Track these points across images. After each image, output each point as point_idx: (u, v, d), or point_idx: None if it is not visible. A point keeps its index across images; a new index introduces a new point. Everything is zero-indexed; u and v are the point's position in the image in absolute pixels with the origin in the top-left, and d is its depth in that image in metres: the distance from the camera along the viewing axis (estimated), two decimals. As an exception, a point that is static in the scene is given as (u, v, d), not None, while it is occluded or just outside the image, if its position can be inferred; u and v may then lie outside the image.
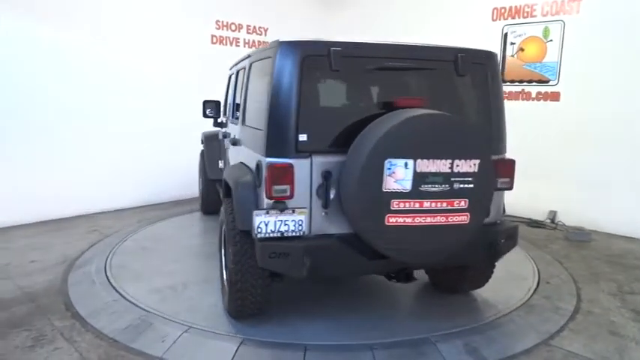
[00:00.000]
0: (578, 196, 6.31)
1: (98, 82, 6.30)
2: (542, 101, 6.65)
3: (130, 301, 3.75)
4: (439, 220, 2.84)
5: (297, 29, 8.55)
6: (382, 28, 8.33)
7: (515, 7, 6.79)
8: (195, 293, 3.94)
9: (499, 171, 3.18)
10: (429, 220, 2.82)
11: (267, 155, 2.96)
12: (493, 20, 7.03)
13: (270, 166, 2.90)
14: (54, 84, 5.92)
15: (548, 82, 6.57)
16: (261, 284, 3.22)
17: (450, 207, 2.83)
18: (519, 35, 6.81)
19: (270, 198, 2.90)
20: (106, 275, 4.25)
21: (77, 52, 6.08)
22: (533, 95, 6.72)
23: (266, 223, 2.86)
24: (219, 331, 3.31)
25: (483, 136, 3.00)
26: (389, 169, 2.71)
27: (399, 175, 2.73)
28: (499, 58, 6.86)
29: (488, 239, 3.22)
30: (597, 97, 6.10)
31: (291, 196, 2.91)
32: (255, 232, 2.85)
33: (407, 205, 2.78)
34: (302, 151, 2.92)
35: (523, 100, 6.83)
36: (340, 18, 9.02)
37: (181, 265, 4.57)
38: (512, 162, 3.36)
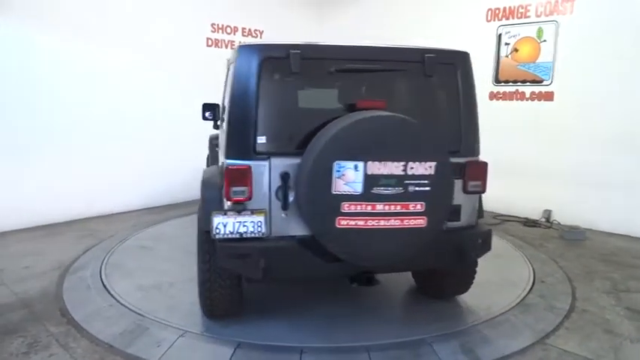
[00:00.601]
0: (573, 195, 6.34)
1: (91, 86, 6.28)
2: (536, 101, 6.67)
3: (125, 306, 3.73)
4: (394, 223, 2.80)
5: (291, 31, 8.59)
6: (377, 30, 8.34)
7: (510, 7, 6.81)
8: (178, 292, 4.02)
9: (470, 174, 3.16)
10: (382, 223, 2.79)
11: (227, 157, 3.02)
12: (487, 21, 7.06)
13: (228, 167, 2.92)
14: (52, 90, 5.90)
15: (542, 82, 6.59)
16: (230, 284, 3.23)
17: (405, 210, 2.79)
18: (513, 36, 6.83)
19: (228, 199, 2.93)
20: (101, 280, 4.24)
21: (72, 56, 6.06)
22: (528, 95, 6.75)
23: (224, 224, 2.89)
24: (215, 335, 3.30)
25: (441, 137, 2.90)
26: (338, 171, 2.70)
27: (348, 177, 2.71)
28: (495, 58, 6.95)
29: (459, 244, 3.16)
30: (591, 97, 6.12)
31: (249, 198, 2.92)
32: (214, 232, 2.89)
33: (358, 207, 2.76)
34: (260, 153, 2.94)
35: (517, 100, 6.86)
36: (335, 20, 9.04)
37: (172, 265, 4.59)
38: (484, 164, 3.25)
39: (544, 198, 6.62)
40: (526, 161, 6.79)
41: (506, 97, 6.97)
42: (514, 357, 3.14)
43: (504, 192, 6.95)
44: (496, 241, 5.55)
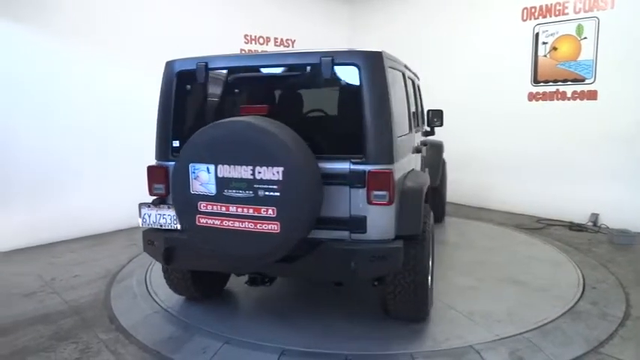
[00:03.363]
0: (620, 198, 6.10)
1: (139, 102, 6.46)
2: (578, 100, 6.47)
3: (170, 313, 3.81)
4: (247, 226, 2.83)
5: (324, 39, 8.64)
6: (410, 30, 8.33)
7: (546, 5, 6.66)
8: (220, 299, 4.04)
9: (372, 183, 2.93)
10: (237, 224, 2.86)
11: (155, 158, 3.47)
12: (523, 20, 6.92)
13: (149, 167, 3.43)
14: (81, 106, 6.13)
15: (583, 80, 6.39)
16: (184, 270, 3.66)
17: (256, 214, 2.80)
18: (551, 34, 6.67)
19: (151, 194, 3.42)
20: (147, 288, 4.34)
21: (119, 74, 6.27)
22: (569, 95, 6.55)
23: (149, 215, 3.37)
24: (259, 341, 3.31)
25: (294, 142, 2.77)
26: (193, 172, 2.91)
27: (203, 178, 2.89)
28: (532, 58, 6.79)
29: (346, 257, 2.93)
30: (637, 94, 5.89)
31: (166, 194, 3.34)
32: (141, 221, 3.39)
33: (213, 207, 2.90)
34: (176, 156, 3.14)
35: (558, 100, 6.67)
36: (367, 23, 9.07)
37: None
38: (387, 174, 2.93)
39: (590, 201, 6.39)
40: (569, 163, 6.59)
41: (546, 97, 6.79)
42: (567, 366, 3.03)
43: (547, 195, 6.79)
44: (541, 246, 5.48)
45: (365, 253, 2.91)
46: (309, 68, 3.15)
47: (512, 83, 7.08)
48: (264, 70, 3.31)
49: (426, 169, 5.52)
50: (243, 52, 7.74)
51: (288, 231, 2.76)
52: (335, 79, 3.07)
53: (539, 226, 6.37)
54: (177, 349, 3.29)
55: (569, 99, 6.56)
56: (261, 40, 8.05)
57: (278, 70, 3.28)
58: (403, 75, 3.92)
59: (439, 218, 6.37)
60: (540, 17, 6.76)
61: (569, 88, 6.55)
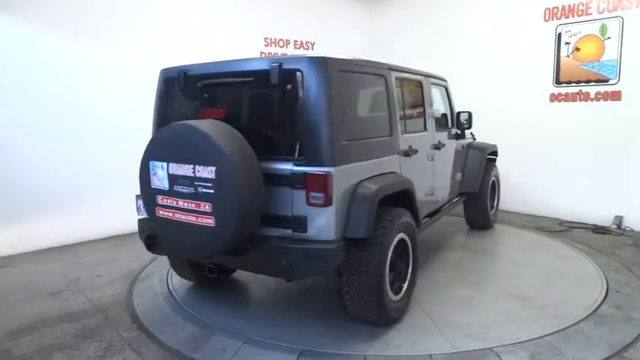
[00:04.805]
0: (646, 200, 5.97)
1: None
2: (602, 101, 6.35)
3: (190, 313, 3.87)
4: (191, 219, 3.09)
5: (343, 41, 8.67)
6: (431, 32, 8.29)
7: (569, 5, 6.56)
8: (240, 297, 4.03)
9: (310, 185, 3.03)
10: (184, 217, 3.13)
11: None
12: (545, 21, 6.82)
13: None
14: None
15: (607, 81, 6.28)
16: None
17: (197, 208, 3.05)
18: (574, 34, 6.56)
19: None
20: (168, 287, 4.42)
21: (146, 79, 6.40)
22: (592, 96, 6.44)
23: (142, 206, 3.60)
24: (278, 341, 3.34)
25: (226, 144, 2.92)
26: (152, 169, 3.21)
27: (159, 175, 3.20)
28: (554, 58, 6.70)
29: (280, 254, 3.05)
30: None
31: None
32: (137, 212, 3.78)
33: (167, 201, 3.20)
34: None
35: (581, 101, 6.56)
36: (387, 25, 9.03)
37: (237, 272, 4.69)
38: (323, 176, 3.01)
39: (614, 203, 6.27)
40: (593, 164, 6.47)
41: (568, 98, 6.68)
42: (589, 370, 2.98)
43: (570, 197, 6.68)
44: (564, 249, 5.40)
45: (299, 251, 3.04)
46: (262, 74, 3.26)
47: (534, 84, 6.99)
48: (226, 77, 3.53)
49: (457, 173, 5.53)
50: (263, 54, 7.82)
51: (222, 225, 2.98)
52: (283, 84, 3.19)
53: (561, 229, 6.26)
54: (198, 349, 3.35)
55: (592, 100, 6.45)
56: (280, 43, 8.11)
57: (237, 77, 3.48)
58: (384, 78, 3.87)
59: (484, 225, 6.22)
60: (563, 17, 6.66)
61: (592, 89, 6.43)
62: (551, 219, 6.77)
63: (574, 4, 6.51)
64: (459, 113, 5.40)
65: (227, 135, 3.01)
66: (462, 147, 5.69)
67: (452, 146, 5.37)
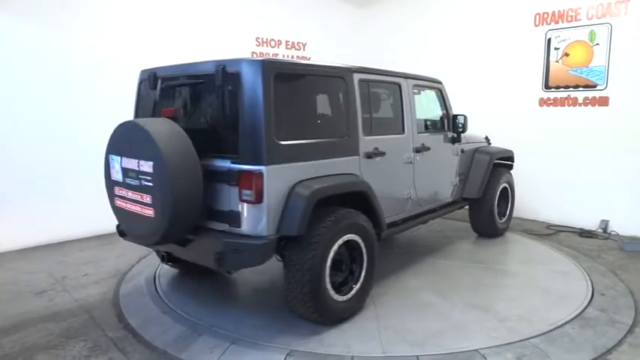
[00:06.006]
0: (631, 205, 6.06)
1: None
2: (589, 107, 6.43)
3: (178, 313, 3.84)
4: (137, 209, 3.34)
5: (335, 42, 8.70)
6: (422, 35, 8.34)
7: (559, 11, 6.63)
8: (228, 299, 3.99)
9: (242, 182, 3.19)
10: (133, 207, 3.39)
11: None
12: (535, 26, 6.89)
13: None
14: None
15: (595, 86, 6.35)
16: None
17: (141, 200, 3.29)
18: (563, 40, 6.63)
19: None
20: (155, 287, 4.39)
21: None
22: (580, 101, 6.51)
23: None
24: (266, 342, 3.34)
25: (163, 141, 3.10)
26: (111, 162, 3.50)
27: (116, 167, 3.46)
28: (544, 63, 6.76)
29: (214, 246, 3.24)
30: (649, 101, 5.85)
31: None
32: None
33: (121, 192, 3.47)
34: None
35: (569, 106, 6.63)
36: (379, 26, 9.07)
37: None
38: (253, 174, 3.17)
39: (600, 208, 6.35)
40: (580, 169, 6.54)
41: (557, 103, 6.75)
42: (574, 373, 3.00)
43: (557, 201, 6.75)
44: (551, 252, 5.44)
45: (229, 245, 3.20)
46: (210, 76, 3.40)
47: (524, 88, 7.05)
48: (182, 78, 3.71)
49: (456, 177, 5.46)
50: (254, 54, 7.80)
51: (159, 216, 3.17)
52: (225, 85, 3.33)
53: (549, 232, 6.33)
54: (185, 349, 3.33)
55: (580, 105, 6.52)
56: (272, 43, 8.10)
57: (191, 78, 3.65)
58: (342, 80, 3.87)
59: (491, 233, 5.96)
60: (553, 23, 6.73)
61: (580, 94, 6.51)
62: (539, 222, 6.84)
63: (564, 10, 6.59)
64: (455, 116, 5.30)
65: (167, 132, 3.19)
66: (462, 151, 5.54)
67: (446, 149, 5.27)
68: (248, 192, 3.17)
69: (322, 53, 8.46)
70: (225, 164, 3.28)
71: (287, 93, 3.44)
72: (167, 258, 4.21)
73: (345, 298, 3.61)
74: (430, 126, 5.16)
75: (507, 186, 6.09)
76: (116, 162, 3.44)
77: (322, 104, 3.88)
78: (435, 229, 6.41)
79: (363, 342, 3.37)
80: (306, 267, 3.31)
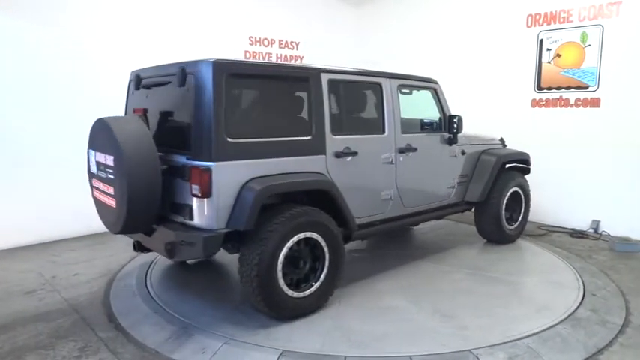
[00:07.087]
0: (622, 205, 6.10)
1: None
2: (581, 108, 6.47)
3: (170, 313, 3.82)
4: (105, 199, 3.58)
5: (329, 41, 8.68)
6: (415, 34, 8.36)
7: (551, 12, 6.66)
8: (222, 299, 4.01)
9: (191, 177, 3.35)
10: (102, 198, 3.64)
11: None
12: (528, 27, 6.92)
13: None
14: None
15: (587, 88, 6.39)
16: None
17: (107, 191, 3.53)
18: (555, 41, 6.67)
19: None
20: (147, 287, 4.35)
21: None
22: (572, 102, 6.55)
23: None
24: (259, 342, 3.32)
25: (123, 137, 3.26)
26: (89, 156, 3.77)
27: (92, 161, 3.74)
28: (536, 64, 6.80)
29: (166, 237, 3.44)
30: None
31: None
32: None
33: (96, 184, 3.73)
34: None
35: (561, 106, 6.67)
36: (374, 26, 9.07)
37: (217, 273, 4.64)
38: (202, 170, 3.29)
39: (591, 208, 6.39)
40: (571, 169, 6.58)
41: (549, 104, 6.79)
42: (565, 372, 3.01)
43: (549, 202, 6.77)
44: (542, 253, 5.46)
45: (178, 236, 3.37)
46: (174, 76, 3.55)
47: (516, 89, 7.08)
48: (154, 78, 3.92)
49: (454, 180, 5.34)
50: (247, 54, 7.78)
51: (119, 207, 3.36)
52: (184, 85, 3.48)
53: (540, 233, 6.36)
54: (177, 349, 3.30)
55: (572, 106, 6.56)
56: (265, 42, 8.07)
57: (160, 78, 3.84)
58: (307, 80, 3.86)
59: (499, 239, 5.69)
60: (545, 24, 6.76)
61: (572, 95, 6.55)
62: (531, 223, 6.85)
63: (556, 12, 6.62)
64: (450, 117, 5.16)
65: (129, 129, 3.37)
66: (463, 152, 5.40)
67: (440, 150, 5.14)
68: (197, 187, 3.31)
69: (316, 52, 8.46)
70: (182, 160, 3.45)
71: (241, 93, 3.63)
72: (137, 246, 4.35)
73: (302, 294, 3.65)
74: (420, 126, 5.03)
75: (519, 191, 5.80)
76: (92, 156, 3.71)
77: (282, 104, 3.88)
78: (445, 232, 6.33)
79: (304, 338, 3.40)
80: (255, 262, 3.39)
